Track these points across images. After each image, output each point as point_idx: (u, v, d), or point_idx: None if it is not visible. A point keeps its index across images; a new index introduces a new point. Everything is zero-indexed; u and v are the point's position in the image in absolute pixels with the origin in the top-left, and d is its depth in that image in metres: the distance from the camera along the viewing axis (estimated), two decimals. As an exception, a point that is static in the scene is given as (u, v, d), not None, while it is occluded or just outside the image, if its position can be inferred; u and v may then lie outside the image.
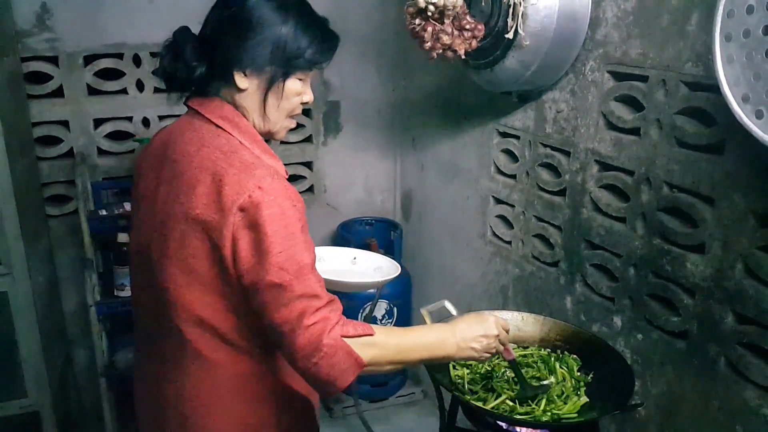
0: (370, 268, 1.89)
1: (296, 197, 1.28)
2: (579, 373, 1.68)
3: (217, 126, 1.35)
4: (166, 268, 1.32)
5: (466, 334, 1.40)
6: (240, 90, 1.36)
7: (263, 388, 1.41)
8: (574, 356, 1.73)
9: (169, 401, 1.41)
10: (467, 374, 1.67)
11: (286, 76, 1.37)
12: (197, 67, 1.35)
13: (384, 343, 1.29)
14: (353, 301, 3.04)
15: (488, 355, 1.45)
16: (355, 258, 1.93)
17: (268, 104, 1.38)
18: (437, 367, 1.65)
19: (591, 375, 1.67)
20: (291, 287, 1.21)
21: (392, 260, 1.90)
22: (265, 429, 1.43)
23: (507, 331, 1.49)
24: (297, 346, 1.19)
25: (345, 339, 1.22)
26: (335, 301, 1.27)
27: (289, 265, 1.21)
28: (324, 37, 1.40)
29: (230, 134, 1.34)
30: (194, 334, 1.34)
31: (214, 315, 1.32)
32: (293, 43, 1.35)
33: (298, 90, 1.41)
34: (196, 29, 1.41)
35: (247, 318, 1.31)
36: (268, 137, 1.45)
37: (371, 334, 1.27)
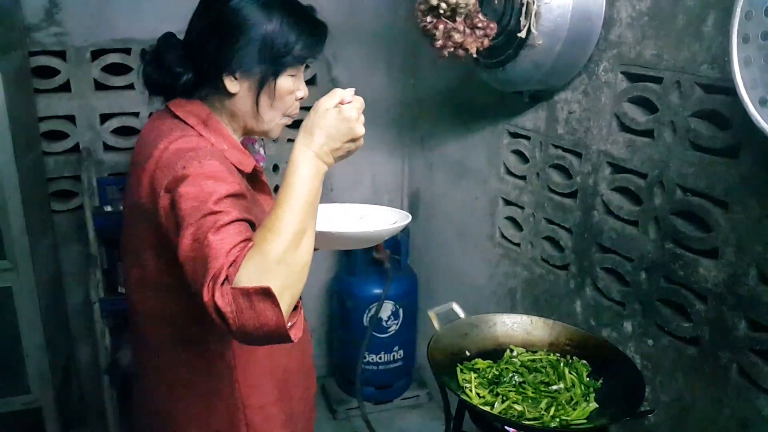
0: (378, 219, 1.75)
1: (223, 176, 1.17)
2: (588, 379, 1.65)
3: (181, 120, 1.32)
4: (126, 263, 1.34)
5: (331, 145, 1.19)
6: (230, 95, 1.34)
7: (225, 389, 1.37)
8: (584, 362, 1.70)
9: (140, 397, 1.44)
10: (475, 378, 1.65)
11: (276, 74, 1.34)
12: (182, 74, 1.33)
13: (266, 246, 1.05)
14: (358, 302, 3.03)
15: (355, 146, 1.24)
16: (361, 217, 1.72)
17: (261, 105, 1.36)
18: (444, 370, 1.63)
19: (601, 381, 1.64)
20: (196, 258, 1.06)
21: (401, 211, 1.74)
22: (230, 426, 1.41)
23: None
24: (216, 320, 1.02)
25: (236, 283, 1.00)
26: (236, 252, 1.04)
27: (200, 233, 1.07)
28: (312, 30, 1.37)
29: (191, 127, 1.31)
30: (150, 330, 1.34)
31: (167, 310, 1.31)
32: (281, 40, 1.32)
33: (290, 87, 1.38)
34: (174, 33, 1.40)
35: (199, 311, 1.27)
36: (263, 137, 1.43)
37: (250, 248, 1.05)
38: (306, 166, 1.15)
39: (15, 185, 2.27)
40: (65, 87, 2.73)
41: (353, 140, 1.21)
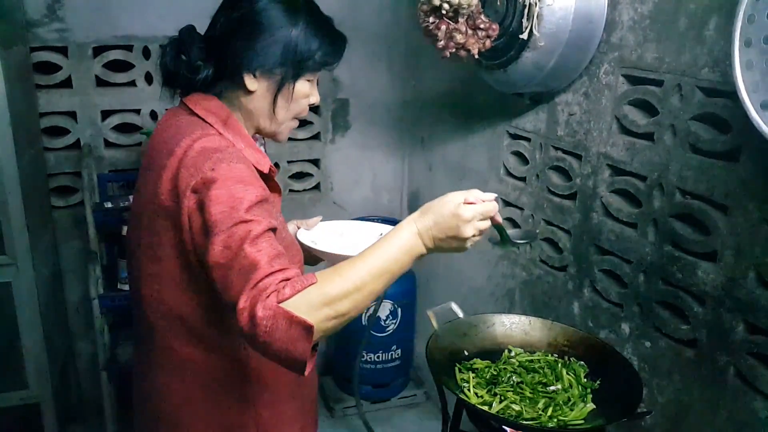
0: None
1: (255, 183, 1.21)
2: (586, 380, 1.66)
3: (199, 117, 1.33)
4: (139, 258, 1.32)
5: (435, 232, 1.19)
6: (248, 92, 1.35)
7: (237, 387, 1.38)
8: (581, 363, 1.71)
9: (144, 396, 1.43)
10: (473, 377, 1.65)
11: (296, 77, 1.36)
12: (202, 67, 1.34)
13: (325, 284, 1.08)
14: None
15: (473, 242, 1.23)
16: (381, 234, 1.78)
17: (277, 106, 1.37)
18: (442, 370, 1.63)
19: (598, 382, 1.65)
20: (231, 264, 1.10)
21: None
22: (241, 429, 1.41)
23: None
24: (242, 328, 1.05)
25: (284, 304, 1.03)
26: (285, 270, 1.09)
27: (233, 242, 1.11)
28: (333, 39, 1.40)
29: (210, 125, 1.32)
30: (164, 327, 1.33)
31: (181, 307, 1.30)
32: (304, 45, 1.34)
33: (306, 92, 1.40)
34: (206, 24, 1.40)
35: (215, 309, 1.29)
36: (270, 138, 1.44)
37: (313, 283, 1.07)
38: (405, 237, 1.18)
39: (15, 181, 2.27)
40: (66, 83, 2.74)
41: (458, 239, 1.20)
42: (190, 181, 1.19)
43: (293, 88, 1.37)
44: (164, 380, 1.37)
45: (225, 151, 1.24)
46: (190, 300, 1.30)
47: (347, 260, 1.14)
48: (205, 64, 1.35)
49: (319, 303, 1.06)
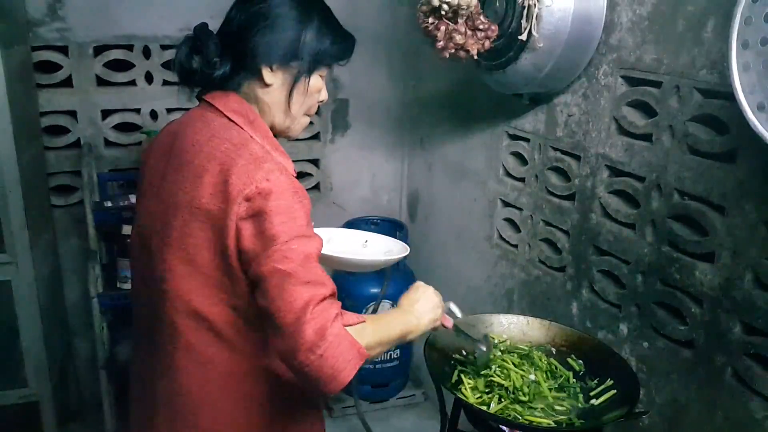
0: (380, 251, 1.87)
1: (303, 194, 1.28)
2: (575, 380, 1.67)
3: (230, 119, 1.35)
4: (166, 257, 1.31)
5: (424, 310, 1.47)
6: (265, 86, 1.37)
7: (257, 389, 1.38)
8: (580, 361, 1.72)
9: (159, 397, 1.40)
10: (468, 378, 1.66)
11: (311, 72, 1.39)
12: (219, 63, 1.36)
13: (373, 329, 1.27)
14: (356, 301, 3.03)
15: (438, 323, 1.53)
16: (366, 241, 1.90)
17: (292, 100, 1.40)
18: (440, 369, 1.64)
19: (596, 381, 1.65)
20: (296, 274, 1.18)
21: (403, 243, 1.87)
22: (258, 430, 1.41)
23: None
24: (302, 337, 1.14)
25: (349, 328, 1.19)
26: (335, 293, 1.24)
27: (295, 255, 1.19)
28: (344, 37, 1.44)
29: (242, 128, 1.34)
30: (188, 326, 1.32)
31: (210, 308, 1.30)
32: (319, 39, 1.38)
33: (319, 86, 1.44)
34: (207, 23, 1.41)
35: (245, 314, 1.30)
36: (282, 135, 1.45)
37: (364, 322, 1.25)
38: (414, 324, 1.45)
39: (15, 179, 2.28)
40: (67, 82, 2.74)
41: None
42: (243, 189, 1.22)
43: (308, 82, 1.40)
44: (184, 380, 1.35)
45: (272, 160, 1.28)
46: (220, 302, 1.30)
47: (375, 316, 1.37)
48: (222, 60, 1.36)
49: (366, 340, 1.22)
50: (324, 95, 1.47)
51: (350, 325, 1.20)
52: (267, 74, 1.35)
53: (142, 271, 1.41)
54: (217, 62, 1.36)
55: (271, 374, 1.38)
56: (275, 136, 1.42)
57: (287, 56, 1.36)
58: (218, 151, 1.28)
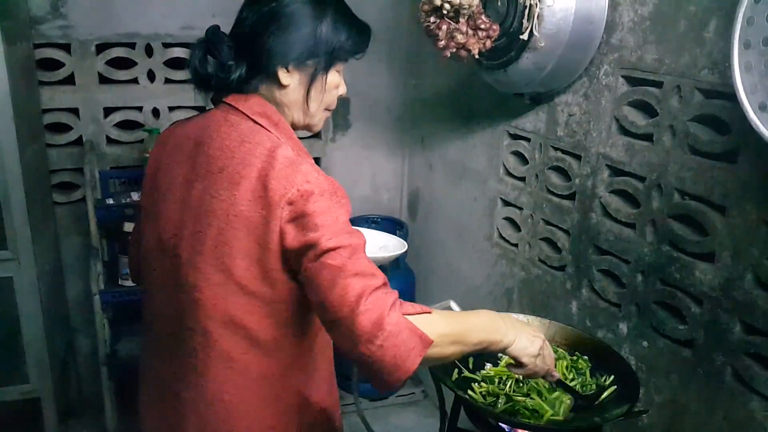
0: (375, 246, 1.86)
1: (342, 192, 1.27)
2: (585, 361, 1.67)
3: (255, 122, 1.32)
4: (199, 266, 1.28)
5: (519, 336, 1.35)
6: (282, 87, 1.34)
7: (286, 390, 1.37)
8: (585, 357, 1.72)
9: (187, 406, 1.35)
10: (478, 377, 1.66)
11: (327, 68, 1.37)
12: (235, 66, 1.33)
13: (444, 321, 1.22)
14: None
15: (539, 370, 1.40)
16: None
17: (311, 98, 1.37)
18: (440, 367, 1.64)
19: (604, 378, 1.65)
20: (346, 267, 1.16)
21: (399, 238, 1.86)
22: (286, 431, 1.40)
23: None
24: (358, 328, 1.12)
25: (408, 317, 1.15)
26: (387, 283, 1.21)
27: (342, 249, 1.18)
28: (359, 29, 1.43)
29: (269, 131, 1.31)
30: (223, 335, 1.29)
31: (246, 316, 1.28)
32: (333, 35, 1.35)
33: (337, 82, 1.41)
34: (209, 22, 1.39)
35: (282, 318, 1.29)
36: (305, 130, 1.44)
37: (429, 312, 1.21)
38: (501, 328, 1.33)
39: (18, 176, 2.28)
40: (69, 80, 2.75)
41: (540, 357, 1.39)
42: (285, 193, 1.20)
43: (326, 79, 1.38)
44: (216, 388, 1.33)
45: (306, 161, 1.27)
46: (256, 310, 1.28)
47: (453, 312, 1.38)
48: (237, 63, 1.33)
49: (434, 329, 1.18)
50: (343, 89, 1.44)
51: (410, 315, 1.17)
52: (283, 75, 1.32)
53: (163, 278, 1.36)
54: (232, 66, 1.33)
55: (301, 375, 1.38)
56: (295, 129, 1.41)
57: (302, 55, 1.33)
58: (252, 157, 1.25)
